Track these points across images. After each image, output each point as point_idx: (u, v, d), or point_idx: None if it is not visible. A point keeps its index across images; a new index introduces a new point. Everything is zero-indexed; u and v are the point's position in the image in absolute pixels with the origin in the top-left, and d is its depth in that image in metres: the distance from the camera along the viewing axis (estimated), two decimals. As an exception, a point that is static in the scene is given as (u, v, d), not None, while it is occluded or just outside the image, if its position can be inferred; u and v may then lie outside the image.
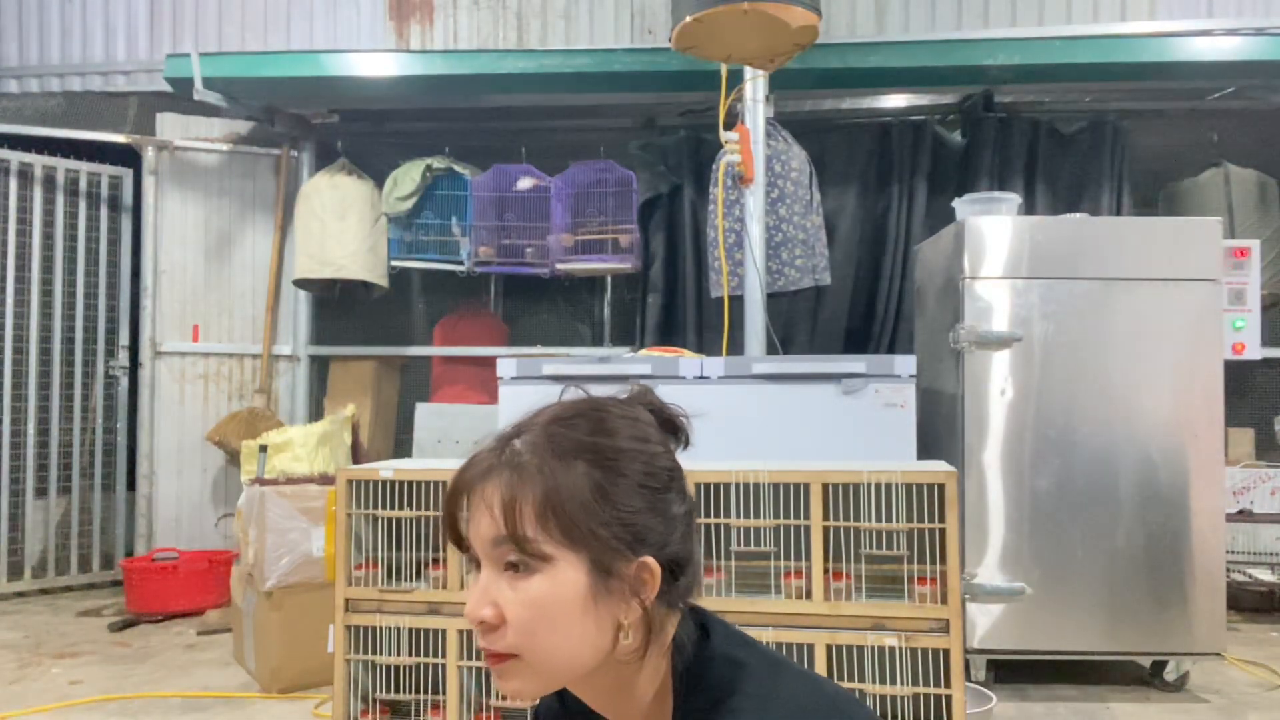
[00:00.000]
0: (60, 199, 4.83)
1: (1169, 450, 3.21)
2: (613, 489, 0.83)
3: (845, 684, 2.17)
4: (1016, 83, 4.49)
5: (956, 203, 3.59)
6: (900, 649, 2.20)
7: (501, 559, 0.82)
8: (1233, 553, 4.13)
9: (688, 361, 3.30)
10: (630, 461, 0.85)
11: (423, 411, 4.58)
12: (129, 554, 4.84)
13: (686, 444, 0.94)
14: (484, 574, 0.84)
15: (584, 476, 0.82)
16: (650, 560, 0.84)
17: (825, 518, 2.25)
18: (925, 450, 3.33)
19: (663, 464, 0.88)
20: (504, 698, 2.45)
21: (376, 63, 4.50)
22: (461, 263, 4.72)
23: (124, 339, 5.03)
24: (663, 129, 4.92)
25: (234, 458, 4.72)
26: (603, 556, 0.82)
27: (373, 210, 4.72)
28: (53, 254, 4.81)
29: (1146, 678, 3.33)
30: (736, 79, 3.76)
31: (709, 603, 2.25)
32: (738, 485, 2.30)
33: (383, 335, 5.16)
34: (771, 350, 3.82)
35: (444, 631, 2.43)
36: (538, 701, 1.02)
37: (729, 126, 3.76)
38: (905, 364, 3.22)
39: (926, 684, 2.20)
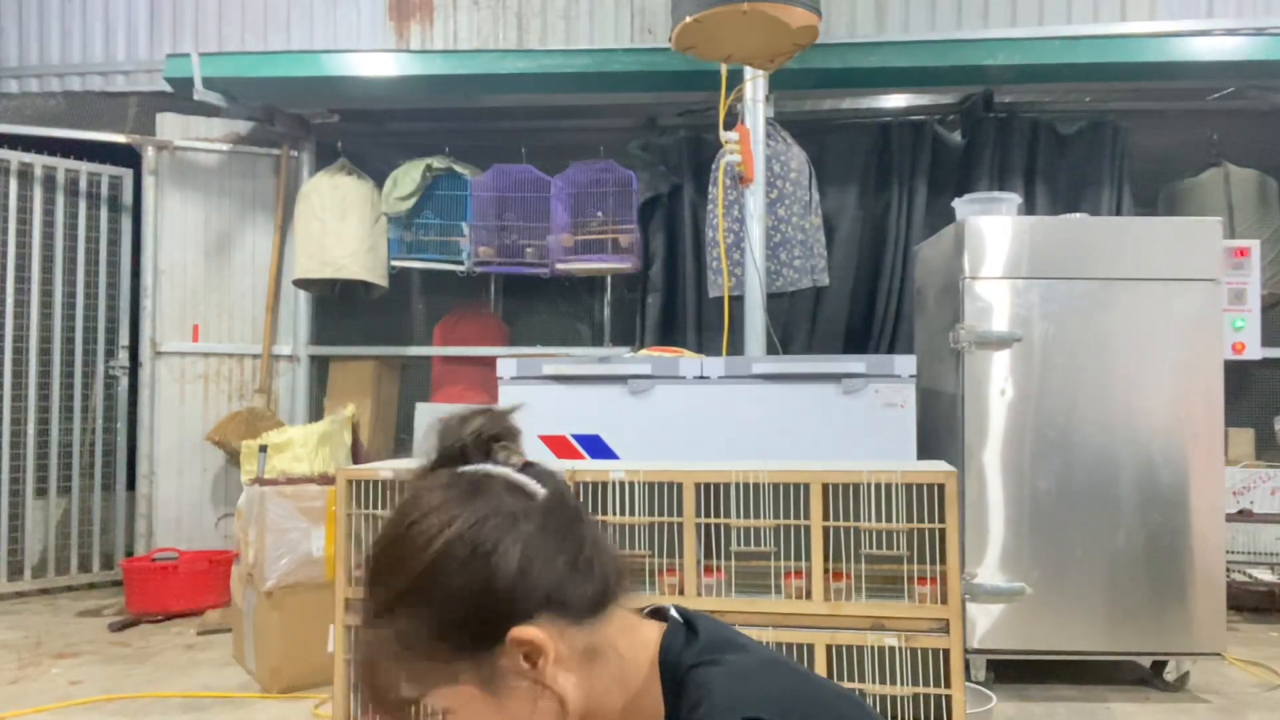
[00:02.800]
0: (60, 199, 4.83)
1: (1169, 450, 3.21)
2: (449, 603, 0.77)
3: (845, 684, 2.17)
4: (1016, 83, 4.49)
5: (956, 203, 3.59)
6: (900, 649, 2.20)
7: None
8: (1233, 553, 4.13)
9: (688, 361, 3.30)
10: (450, 561, 0.77)
11: (423, 411, 4.58)
12: (129, 554, 4.84)
13: (547, 486, 0.85)
14: None
15: (415, 610, 0.77)
16: (519, 631, 0.77)
17: (825, 518, 2.25)
18: (925, 450, 3.33)
19: (488, 535, 0.78)
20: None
21: (376, 63, 4.50)
22: (461, 263, 4.72)
23: (124, 339, 5.03)
24: (663, 129, 4.92)
25: (234, 458, 4.72)
26: (477, 665, 0.78)
27: (373, 210, 4.72)
28: (53, 254, 4.81)
29: (1146, 678, 3.33)
30: (736, 79, 3.76)
31: (709, 603, 2.25)
32: (738, 485, 2.30)
33: (383, 335, 5.16)
34: (771, 350, 3.82)
35: (444, 631, 2.42)
36: None
37: (729, 126, 3.76)
38: (905, 364, 3.22)
39: (926, 684, 2.20)
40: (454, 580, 0.77)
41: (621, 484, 2.35)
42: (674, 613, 0.90)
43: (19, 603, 4.61)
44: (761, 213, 3.83)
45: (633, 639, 0.85)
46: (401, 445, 5.08)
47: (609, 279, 5.09)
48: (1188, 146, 4.74)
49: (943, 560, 2.22)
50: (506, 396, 3.28)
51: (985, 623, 3.21)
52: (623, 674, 0.84)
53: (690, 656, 0.84)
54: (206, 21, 5.06)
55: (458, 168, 4.73)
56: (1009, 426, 3.25)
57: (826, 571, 2.26)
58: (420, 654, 0.77)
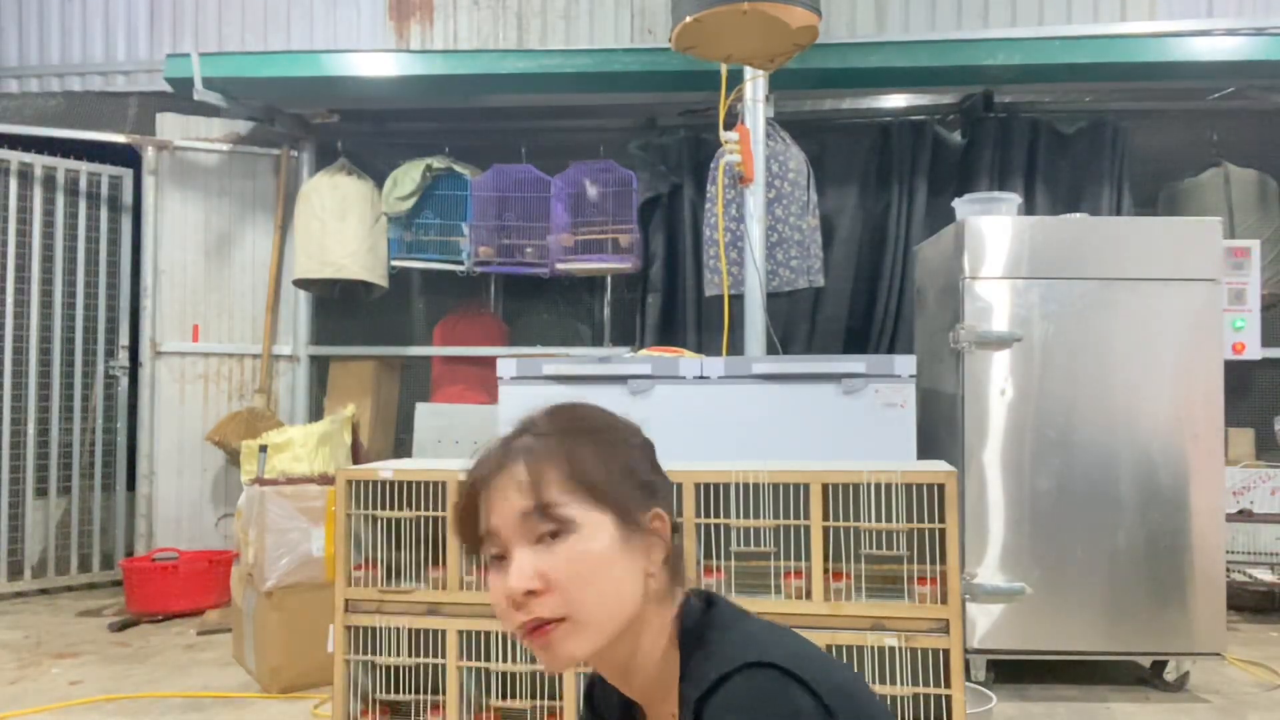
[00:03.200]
0: (60, 199, 4.83)
1: (1169, 450, 3.21)
2: (622, 453, 0.95)
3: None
4: (1016, 83, 4.48)
5: (956, 203, 3.59)
6: (900, 649, 2.20)
7: (533, 533, 0.89)
8: (1233, 553, 4.13)
9: (688, 361, 3.30)
10: (626, 434, 0.98)
11: (423, 411, 4.58)
12: (129, 554, 4.84)
13: None
14: (516, 553, 0.89)
15: (596, 446, 0.93)
16: (661, 510, 0.95)
17: (825, 518, 2.25)
18: (925, 450, 3.32)
19: (647, 439, 1.01)
20: (504, 697, 2.45)
21: (376, 63, 4.50)
22: (461, 263, 4.72)
23: (124, 339, 5.03)
24: (663, 129, 4.92)
25: (234, 458, 4.72)
26: (624, 511, 0.91)
27: (373, 210, 4.72)
28: (53, 254, 4.81)
29: (1146, 678, 3.33)
30: (736, 79, 3.76)
31: (709, 603, 2.25)
32: (738, 485, 2.30)
33: (383, 335, 5.16)
34: (771, 350, 3.82)
35: (444, 632, 2.43)
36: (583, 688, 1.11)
37: (729, 126, 3.76)
38: (905, 364, 3.22)
39: (926, 684, 2.20)
40: (632, 440, 0.97)
41: (621, 484, 2.35)
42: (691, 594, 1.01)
43: (19, 603, 4.61)
44: (761, 213, 3.83)
45: (670, 608, 0.97)
46: (401, 445, 5.08)
47: (609, 279, 5.09)
48: (1188, 146, 4.74)
49: (943, 560, 2.22)
50: (506, 397, 3.28)
51: (985, 623, 3.21)
52: (661, 627, 0.95)
53: (707, 621, 0.94)
54: (206, 21, 5.07)
55: (458, 168, 4.73)
56: (1009, 426, 3.25)
57: (826, 571, 2.26)
58: (594, 477, 0.91)
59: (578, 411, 0.97)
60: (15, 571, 4.71)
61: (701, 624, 0.94)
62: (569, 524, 0.89)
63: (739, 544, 2.32)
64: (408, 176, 4.67)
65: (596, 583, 0.89)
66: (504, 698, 2.45)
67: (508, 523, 0.90)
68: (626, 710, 1.06)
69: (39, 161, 4.77)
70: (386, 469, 2.49)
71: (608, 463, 0.93)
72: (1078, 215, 3.48)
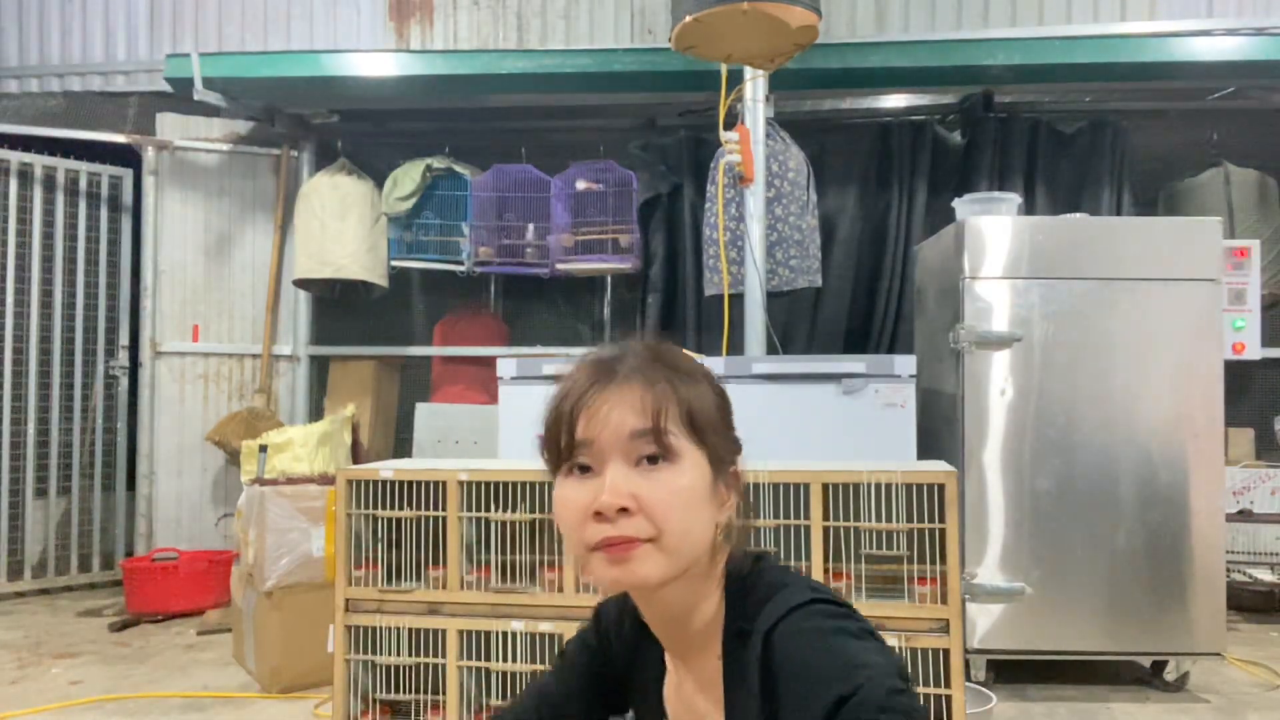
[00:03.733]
0: (60, 199, 4.83)
1: (1169, 450, 3.21)
2: (724, 405, 0.99)
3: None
4: (1016, 83, 4.48)
5: (956, 203, 3.59)
6: (900, 649, 2.20)
7: (635, 453, 0.90)
8: (1233, 553, 4.13)
9: (688, 361, 3.29)
10: (723, 392, 1.01)
11: (423, 411, 4.58)
12: (129, 554, 4.84)
13: None
14: (613, 468, 0.89)
15: (708, 391, 0.97)
16: (740, 469, 0.99)
17: (825, 518, 2.25)
18: (925, 450, 3.33)
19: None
20: (504, 697, 2.45)
21: (376, 63, 4.50)
22: (461, 263, 4.72)
23: (124, 339, 5.03)
24: (663, 129, 4.92)
25: (234, 458, 4.72)
26: (717, 457, 0.95)
27: (373, 210, 4.72)
28: (53, 254, 4.81)
29: (1146, 678, 3.33)
30: (736, 79, 3.76)
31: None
32: (738, 485, 2.30)
33: (383, 335, 5.16)
34: (771, 350, 3.82)
35: (444, 632, 2.43)
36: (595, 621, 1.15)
37: (729, 126, 3.76)
38: (905, 364, 3.22)
39: (926, 684, 2.20)
40: (724, 396, 1.01)
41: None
42: None
43: (19, 603, 4.61)
44: (761, 212, 3.83)
45: (720, 562, 0.99)
46: (401, 445, 5.08)
47: (609, 279, 5.09)
48: (1188, 146, 4.74)
49: (943, 560, 2.22)
50: (506, 397, 3.28)
51: (985, 623, 3.21)
52: (714, 577, 0.97)
53: (758, 572, 0.97)
54: (206, 21, 5.06)
55: (458, 168, 4.73)
56: (1009, 426, 3.25)
57: (826, 571, 2.26)
58: (704, 418, 0.94)
59: (682, 354, 1.00)
60: (15, 572, 4.71)
61: (754, 575, 0.96)
62: (673, 454, 0.91)
63: (739, 544, 2.32)
64: (408, 176, 4.67)
65: (686, 515, 0.90)
66: (504, 697, 2.45)
67: (613, 438, 0.90)
68: (636, 651, 1.08)
69: (39, 161, 4.77)
70: (386, 469, 2.49)
71: (713, 407, 0.96)
72: (1078, 215, 3.48)
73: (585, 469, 0.92)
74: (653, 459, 0.90)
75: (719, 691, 0.96)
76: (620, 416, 0.90)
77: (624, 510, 0.88)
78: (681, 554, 0.91)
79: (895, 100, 4.82)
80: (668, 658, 1.05)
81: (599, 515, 0.88)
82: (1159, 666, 3.26)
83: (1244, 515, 4.19)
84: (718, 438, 0.95)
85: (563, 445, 0.93)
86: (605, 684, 1.13)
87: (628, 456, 0.90)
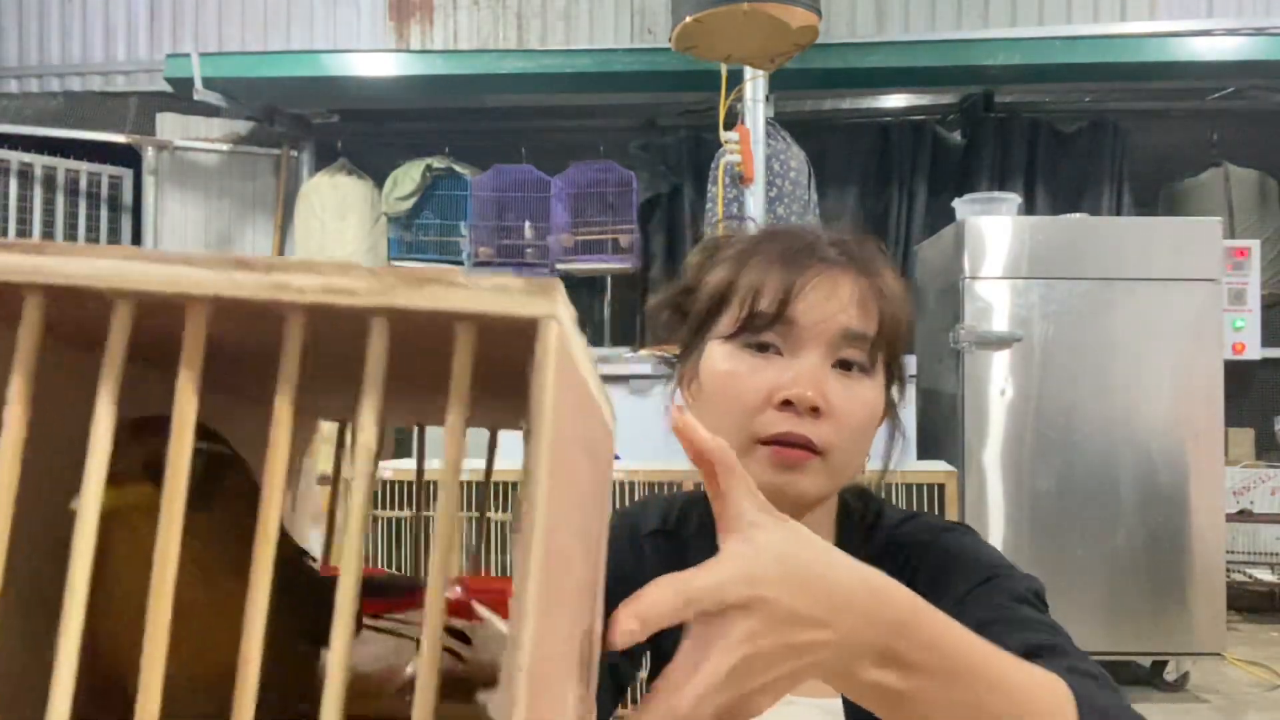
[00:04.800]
0: (60, 199, 4.83)
1: (1169, 450, 3.21)
2: (913, 323, 0.89)
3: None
4: (1016, 83, 4.48)
5: (956, 203, 3.59)
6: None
7: (836, 353, 0.80)
8: (1233, 553, 4.12)
9: (688, 361, 3.30)
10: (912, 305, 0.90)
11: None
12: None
13: None
14: (813, 359, 0.78)
15: (907, 304, 0.86)
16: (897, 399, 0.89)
17: (825, 518, 2.25)
18: (925, 450, 3.32)
19: None
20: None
21: (376, 63, 4.50)
22: (461, 263, 4.72)
23: (124, 339, 5.03)
24: (663, 129, 4.92)
25: (234, 458, 4.71)
26: (893, 388, 0.86)
27: (373, 210, 4.72)
28: (53, 254, 4.81)
29: (1146, 678, 3.32)
30: (736, 79, 3.76)
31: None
32: (738, 485, 2.30)
33: (383, 335, 5.15)
34: (771, 350, 3.81)
35: (444, 631, 2.42)
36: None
37: (729, 126, 3.76)
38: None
39: (926, 684, 2.19)
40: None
41: (622, 484, 2.35)
42: None
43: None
44: (761, 213, 3.83)
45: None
46: (401, 445, 5.08)
47: (609, 279, 5.09)
48: (1188, 146, 4.74)
49: (943, 560, 2.22)
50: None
51: (985, 623, 3.21)
52: (832, 508, 0.89)
53: (871, 503, 0.90)
54: (206, 21, 5.06)
55: (458, 168, 4.73)
56: (1009, 426, 3.25)
57: (826, 571, 2.25)
58: (904, 344, 0.86)
59: (883, 249, 0.90)
60: (15, 571, 4.71)
61: (866, 507, 0.89)
62: (871, 371, 0.81)
63: (739, 544, 2.32)
64: (408, 176, 4.67)
65: (862, 438, 0.81)
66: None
67: (823, 327, 0.79)
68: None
69: (39, 161, 4.77)
70: (386, 469, 2.49)
71: (908, 325, 0.86)
72: (1078, 215, 3.48)
73: (765, 348, 0.80)
74: (847, 365, 0.80)
75: None
76: (837, 307, 0.79)
77: (815, 410, 0.77)
78: (843, 477, 0.82)
79: (895, 100, 4.82)
80: None
81: (785, 405, 0.76)
82: (1159, 666, 3.26)
83: (1244, 515, 4.19)
84: (900, 369, 0.87)
85: (746, 312, 0.79)
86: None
87: (829, 354, 0.79)
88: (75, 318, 0.40)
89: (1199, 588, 3.18)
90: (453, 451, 0.37)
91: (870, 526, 0.86)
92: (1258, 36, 4.29)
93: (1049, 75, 4.34)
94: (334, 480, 0.77)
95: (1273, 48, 4.15)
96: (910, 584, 0.56)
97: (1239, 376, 4.50)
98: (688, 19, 2.73)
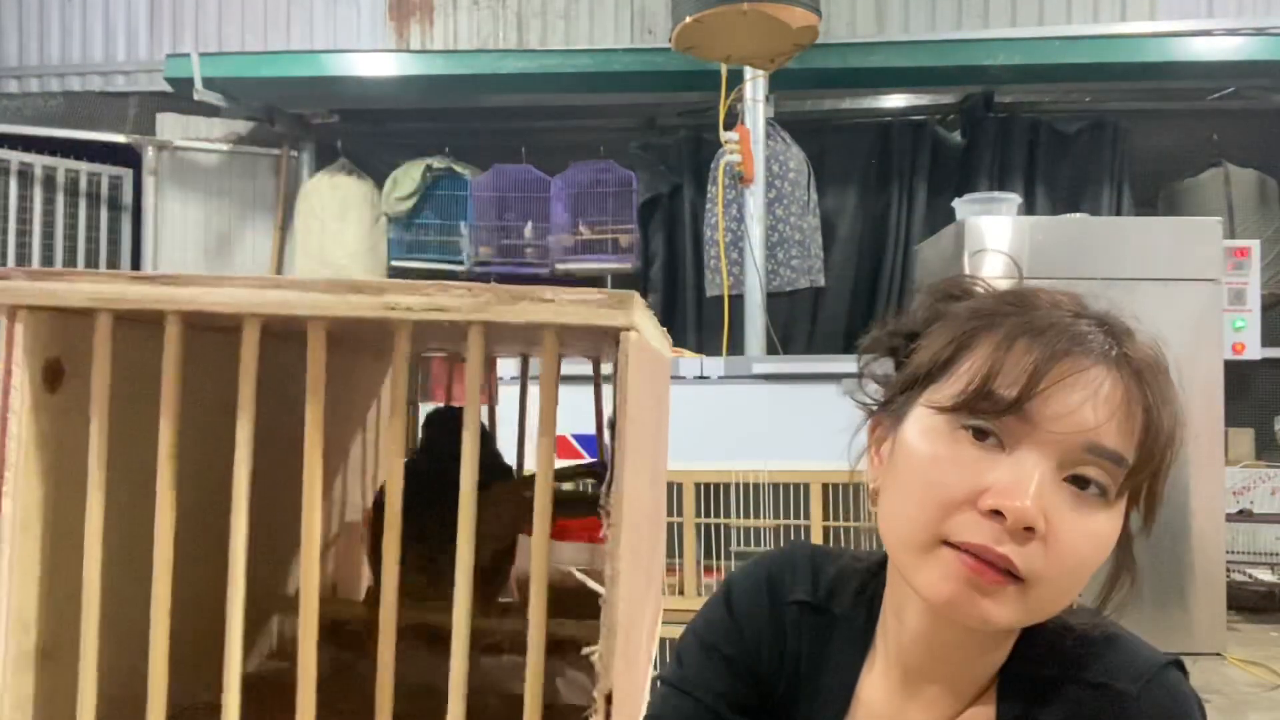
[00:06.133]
0: (60, 199, 4.83)
1: (1169, 450, 3.21)
2: (1174, 453, 0.71)
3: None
4: (1016, 83, 4.48)
5: (956, 203, 3.59)
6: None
7: (1073, 467, 0.65)
8: (1233, 553, 4.12)
9: (688, 361, 3.30)
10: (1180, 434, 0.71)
11: (423, 412, 4.58)
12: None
13: None
14: (1041, 467, 0.63)
15: (1176, 431, 0.72)
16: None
17: (825, 518, 2.25)
18: (925, 450, 3.32)
19: None
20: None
21: (376, 63, 4.50)
22: (461, 263, 4.72)
23: (124, 339, 5.03)
24: (663, 129, 4.92)
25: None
26: (1134, 512, 0.71)
27: (373, 210, 4.72)
28: (53, 255, 4.80)
29: (1146, 678, 3.32)
30: (736, 79, 3.76)
31: (709, 603, 2.25)
32: (738, 485, 2.30)
33: (383, 335, 5.16)
34: (771, 350, 3.82)
35: (444, 631, 2.43)
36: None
37: (729, 126, 3.76)
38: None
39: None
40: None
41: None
42: None
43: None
44: (761, 213, 3.83)
45: None
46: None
47: (609, 279, 5.09)
48: (1188, 146, 4.74)
49: (943, 560, 2.22)
50: (507, 397, 3.28)
51: (985, 623, 3.21)
52: None
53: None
54: (206, 21, 5.06)
55: (458, 168, 4.73)
56: (1009, 426, 3.25)
57: (826, 571, 2.26)
58: (1162, 460, 0.72)
59: (1166, 367, 0.75)
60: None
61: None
62: (1111, 497, 0.66)
63: (739, 544, 2.32)
64: (408, 176, 4.67)
65: (1082, 576, 0.66)
66: (504, 698, 2.45)
67: (1065, 433, 0.64)
68: (816, 659, 0.81)
69: (39, 161, 4.77)
70: (386, 469, 2.49)
71: (1171, 455, 0.71)
72: (1078, 215, 3.48)
73: (985, 435, 0.65)
74: (1083, 482, 0.65)
75: None
76: (1091, 416, 0.64)
77: (1029, 530, 0.62)
78: (1040, 615, 0.67)
79: (895, 100, 4.82)
80: (876, 683, 0.77)
81: (994, 514, 0.62)
82: (1159, 666, 3.26)
83: (1244, 515, 4.19)
84: (1159, 490, 0.71)
85: (975, 391, 0.65)
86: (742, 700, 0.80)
87: (1062, 467, 0.64)
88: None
89: (1199, 588, 3.18)
90: (547, 434, 0.47)
91: (1056, 654, 0.72)
92: (1258, 36, 4.29)
93: (1049, 75, 4.34)
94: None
95: (1273, 48, 4.15)
96: None
97: (1239, 376, 4.50)
98: (688, 19, 2.73)
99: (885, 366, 0.79)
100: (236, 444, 0.45)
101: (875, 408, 0.78)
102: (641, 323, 0.45)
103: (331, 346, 0.62)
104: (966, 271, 3.25)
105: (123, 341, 0.47)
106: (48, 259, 4.79)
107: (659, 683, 0.82)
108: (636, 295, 0.43)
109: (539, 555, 0.44)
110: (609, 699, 0.42)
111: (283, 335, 0.47)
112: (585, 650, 0.44)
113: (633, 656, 0.51)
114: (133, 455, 0.49)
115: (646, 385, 0.51)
